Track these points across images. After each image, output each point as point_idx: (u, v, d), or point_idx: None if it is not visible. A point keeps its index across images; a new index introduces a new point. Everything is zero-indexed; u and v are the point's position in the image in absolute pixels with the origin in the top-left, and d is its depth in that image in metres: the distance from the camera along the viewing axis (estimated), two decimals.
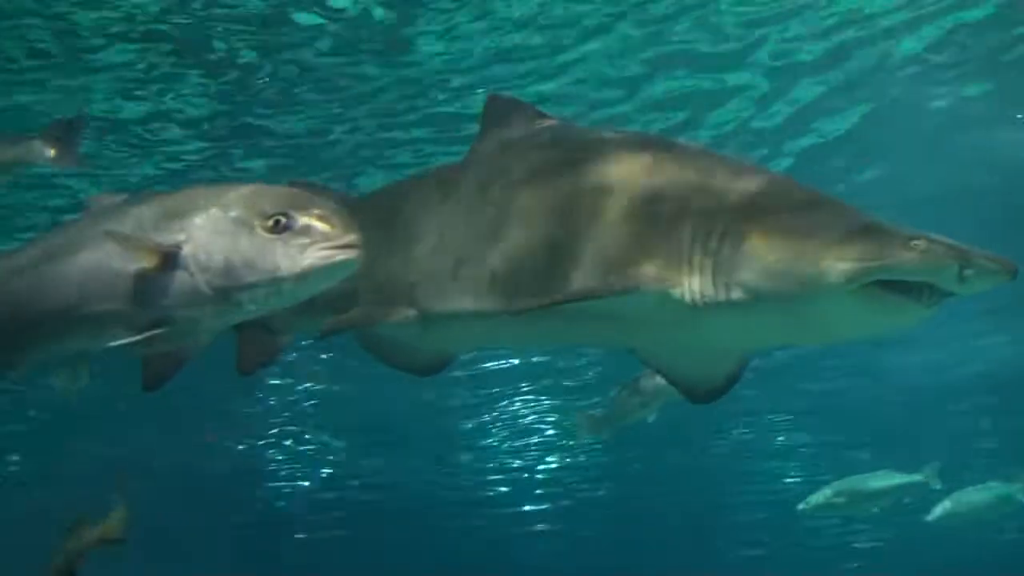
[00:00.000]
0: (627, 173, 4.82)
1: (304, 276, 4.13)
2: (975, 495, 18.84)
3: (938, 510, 18.59)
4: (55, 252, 4.53)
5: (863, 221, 4.43)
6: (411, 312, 5.27)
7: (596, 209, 4.79)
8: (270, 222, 4.13)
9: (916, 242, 4.26)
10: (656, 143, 5.16)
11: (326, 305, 5.49)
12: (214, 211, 4.22)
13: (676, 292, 4.57)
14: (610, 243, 4.69)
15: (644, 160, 4.86)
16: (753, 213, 4.52)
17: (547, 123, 5.45)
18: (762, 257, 4.42)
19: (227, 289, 4.15)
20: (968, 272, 4.25)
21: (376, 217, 5.52)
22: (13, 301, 4.58)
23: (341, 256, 4.12)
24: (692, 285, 4.55)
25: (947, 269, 4.24)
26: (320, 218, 4.14)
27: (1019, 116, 11.10)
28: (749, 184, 4.66)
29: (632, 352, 5.22)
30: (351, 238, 4.13)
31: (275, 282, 4.14)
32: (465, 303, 5.06)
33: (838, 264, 4.30)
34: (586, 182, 4.89)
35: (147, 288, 4.24)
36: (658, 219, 4.65)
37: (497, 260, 4.98)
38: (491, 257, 5.00)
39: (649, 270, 4.60)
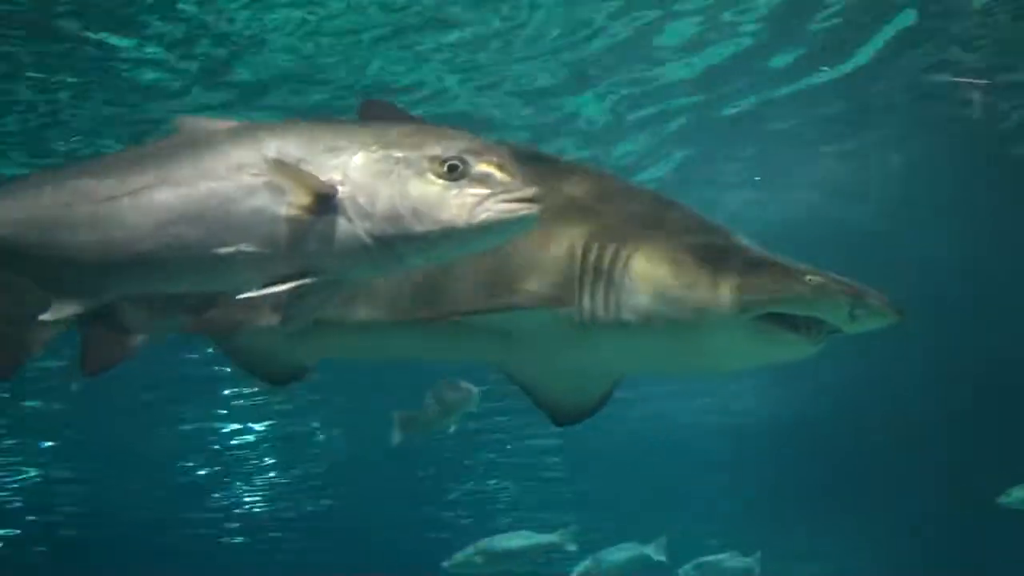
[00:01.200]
0: None
1: (480, 230, 3.49)
2: (614, 555, 19.58)
3: (579, 569, 19.46)
4: (173, 177, 3.63)
5: (757, 252, 4.46)
6: (275, 319, 4.90)
7: None
8: (443, 167, 3.50)
9: (810, 277, 4.29)
10: (546, 159, 5.09)
11: (186, 305, 5.22)
12: (378, 150, 3.54)
13: (566, 311, 4.52)
14: (500, 258, 4.60)
15: (536, 175, 4.53)
16: (647, 235, 4.50)
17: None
18: (655, 281, 4.40)
19: (390, 240, 3.49)
20: (858, 311, 4.29)
21: None
22: (115, 228, 3.66)
23: (523, 211, 3.51)
24: (583, 305, 4.50)
25: (839, 307, 4.29)
26: (499, 166, 3.53)
27: None
28: (643, 206, 4.66)
29: (501, 369, 5.11)
30: (532, 191, 3.54)
31: (446, 235, 3.48)
32: (341, 312, 4.84)
33: (732, 294, 4.32)
34: None
35: (296, 232, 3.50)
36: (550, 236, 4.58)
37: None
38: None
39: (540, 288, 4.54)
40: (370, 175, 3.49)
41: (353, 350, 5.32)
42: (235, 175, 3.52)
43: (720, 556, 20.04)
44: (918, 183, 13.01)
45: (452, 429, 12.18)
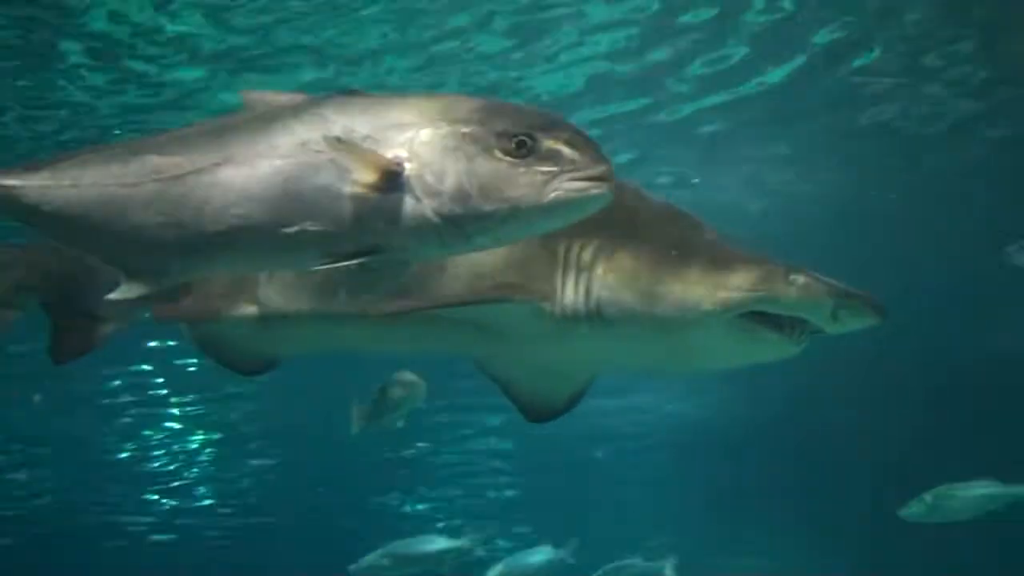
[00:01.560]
0: None
1: (550, 210, 3.38)
2: (528, 558, 19.66)
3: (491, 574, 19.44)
4: (238, 154, 3.51)
5: (742, 250, 4.44)
6: (250, 309, 5.04)
7: None
8: (511, 143, 3.39)
9: (795, 276, 4.28)
10: None
11: (159, 293, 5.18)
12: (445, 126, 3.41)
13: (547, 306, 4.48)
14: (480, 251, 4.45)
15: None
16: (631, 231, 4.47)
17: None
18: (639, 277, 4.37)
19: (458, 218, 3.39)
20: (842, 312, 4.29)
21: None
22: (181, 205, 3.55)
23: (595, 190, 3.40)
24: (564, 300, 4.47)
25: (822, 306, 4.28)
26: (569, 143, 3.42)
27: None
28: (626, 201, 4.58)
29: (477, 363, 5.09)
30: (604, 168, 3.42)
31: (515, 214, 3.38)
32: (312, 303, 4.83)
33: (717, 292, 4.29)
34: None
35: (362, 210, 3.39)
36: None
37: None
38: None
39: (521, 281, 4.50)
40: (437, 152, 3.39)
41: (327, 341, 5.27)
42: (299, 152, 3.42)
43: (632, 561, 20.10)
44: (847, 190, 13.33)
45: (400, 424, 12.04)
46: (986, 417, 19.80)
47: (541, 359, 4.85)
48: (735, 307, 4.28)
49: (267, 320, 5.00)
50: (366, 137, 3.41)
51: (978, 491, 15.04)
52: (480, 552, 17.88)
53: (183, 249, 3.58)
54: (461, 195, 3.37)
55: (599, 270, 4.41)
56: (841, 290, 4.27)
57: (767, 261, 4.35)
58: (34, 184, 3.67)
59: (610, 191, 3.41)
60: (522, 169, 3.37)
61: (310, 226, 3.43)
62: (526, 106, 3.59)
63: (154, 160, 3.61)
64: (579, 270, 4.44)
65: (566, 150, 3.39)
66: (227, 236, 3.50)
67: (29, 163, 3.75)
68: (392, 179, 3.36)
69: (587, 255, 4.44)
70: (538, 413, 5.18)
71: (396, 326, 4.74)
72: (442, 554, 17.30)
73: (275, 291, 4.95)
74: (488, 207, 3.37)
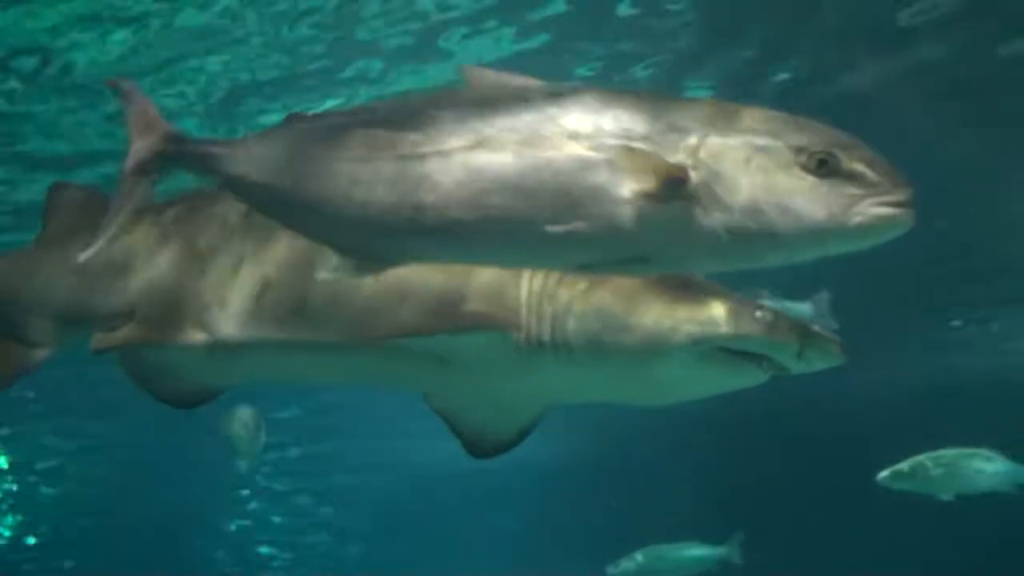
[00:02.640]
0: None
1: (853, 233, 3.16)
2: None
3: None
4: (493, 140, 3.26)
5: (709, 286, 4.45)
6: (200, 336, 4.86)
7: None
8: (811, 161, 3.17)
9: (763, 315, 4.31)
10: None
11: (99, 319, 5.09)
12: (734, 135, 3.21)
13: (515, 335, 4.43)
14: (444, 279, 4.50)
15: None
16: None
17: None
18: (609, 308, 4.35)
19: (748, 234, 3.17)
20: (808, 351, 4.31)
21: (163, 227, 5.17)
22: (421, 186, 3.31)
23: (900, 215, 3.17)
24: (531, 329, 4.43)
25: (787, 346, 4.30)
26: (871, 164, 3.20)
27: None
28: None
29: (427, 396, 5.00)
30: (908, 193, 3.19)
31: (814, 236, 3.16)
32: (266, 331, 4.72)
33: (686, 326, 4.30)
34: None
35: (639, 217, 3.16)
36: None
37: (309, 288, 4.66)
38: (302, 284, 4.68)
39: (488, 309, 4.44)
40: (727, 162, 3.18)
41: (276, 371, 5.16)
42: (570, 146, 3.22)
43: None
44: None
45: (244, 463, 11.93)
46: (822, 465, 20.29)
47: (498, 391, 4.79)
48: (703, 342, 4.30)
49: (216, 348, 4.84)
50: (644, 138, 3.22)
51: (686, 552, 16.15)
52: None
53: (415, 232, 3.37)
54: (755, 211, 3.17)
55: (568, 300, 4.38)
56: (806, 331, 4.31)
57: (736, 299, 4.39)
58: (240, 152, 3.55)
59: (913, 217, 3.20)
60: (825, 189, 3.18)
61: (579, 227, 3.23)
62: (819, 122, 3.37)
63: (386, 135, 3.41)
64: (547, 299, 4.41)
65: (869, 172, 3.20)
66: (475, 226, 3.29)
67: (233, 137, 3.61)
68: (674, 187, 3.16)
69: (555, 284, 4.41)
70: (484, 448, 5.10)
71: (352, 356, 4.65)
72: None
73: (226, 318, 4.80)
74: (785, 226, 3.17)
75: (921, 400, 18.98)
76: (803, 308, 10.75)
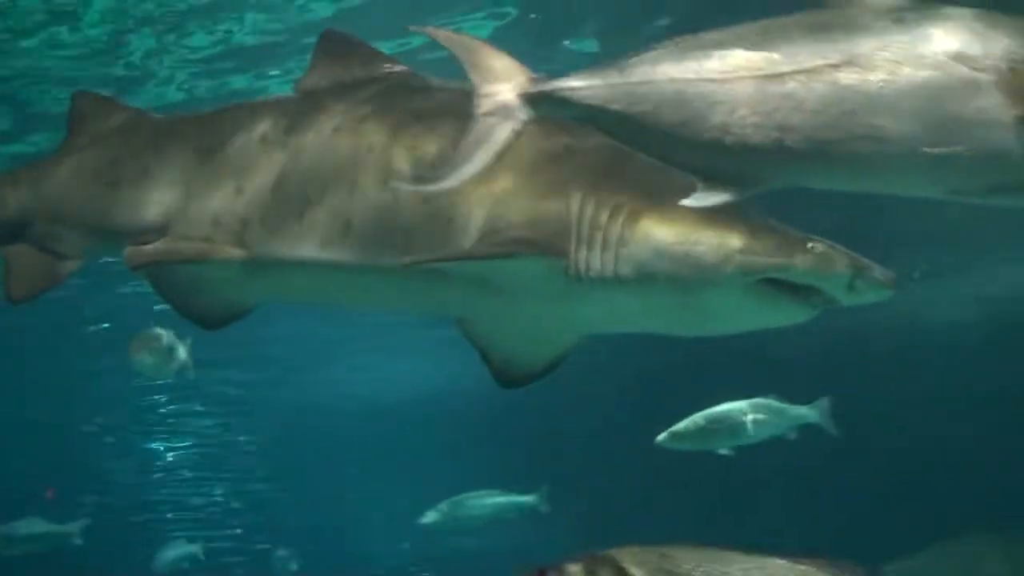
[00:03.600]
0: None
1: None
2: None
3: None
4: (863, 58, 3.15)
5: (760, 217, 4.43)
6: (238, 252, 4.78)
7: None
8: None
9: (814, 245, 4.29)
10: None
11: (130, 232, 5.01)
12: None
13: (563, 262, 4.39)
14: (492, 205, 4.46)
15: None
16: (647, 190, 4.39)
17: (395, 68, 5.11)
18: (660, 237, 4.32)
19: None
20: (858, 283, 4.29)
21: (200, 140, 5.07)
22: (783, 106, 3.24)
23: None
24: (580, 257, 4.39)
25: (839, 277, 4.29)
26: None
27: None
28: (635, 162, 4.44)
29: (462, 322, 4.96)
30: None
31: None
32: (311, 251, 4.65)
33: (737, 256, 4.27)
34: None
35: (1020, 140, 3.09)
36: (546, 185, 4.47)
37: (356, 209, 4.61)
38: (348, 205, 4.62)
39: (535, 237, 4.40)
40: None
41: (315, 293, 5.12)
42: (951, 67, 3.12)
43: None
44: None
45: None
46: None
47: (538, 319, 4.76)
48: (755, 272, 4.27)
49: (254, 266, 4.77)
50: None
51: (492, 500, 16.68)
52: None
53: (778, 155, 3.29)
54: None
55: (619, 229, 4.35)
56: (858, 262, 4.29)
57: (787, 230, 4.37)
58: (599, 83, 3.48)
59: None
60: None
61: (958, 151, 3.15)
62: None
63: (742, 55, 3.32)
64: (596, 228, 4.37)
65: None
66: (843, 147, 3.22)
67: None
68: None
69: (605, 213, 4.38)
70: (514, 377, 5.08)
71: (393, 280, 4.61)
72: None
73: (266, 235, 4.73)
74: None
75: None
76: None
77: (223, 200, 4.86)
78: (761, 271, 4.27)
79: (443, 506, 16.66)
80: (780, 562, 5.15)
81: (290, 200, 4.72)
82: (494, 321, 4.90)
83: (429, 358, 19.51)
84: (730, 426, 10.70)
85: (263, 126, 4.95)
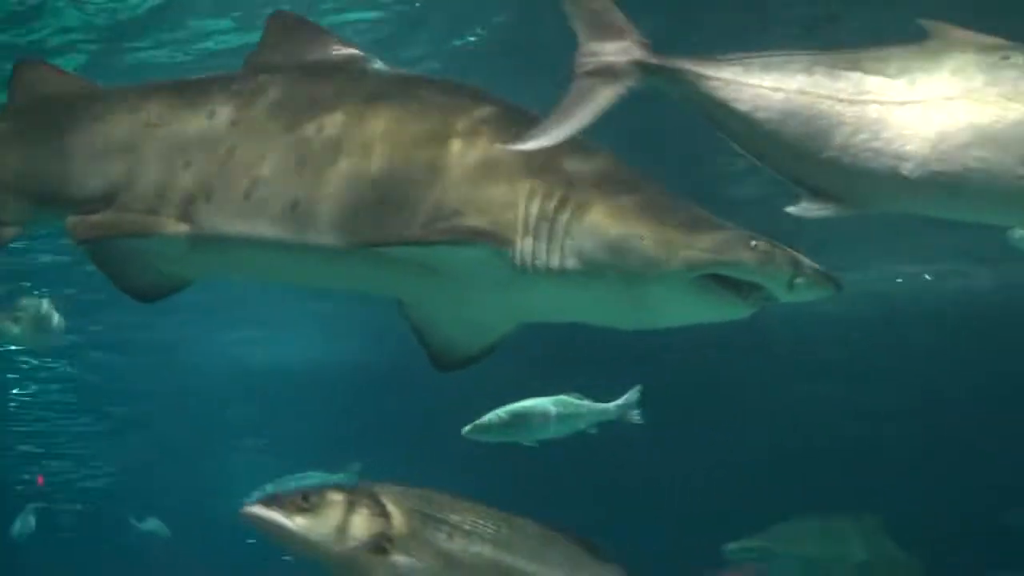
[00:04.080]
0: (460, 121, 4.63)
1: None
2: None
3: None
4: (977, 92, 3.31)
5: (706, 214, 4.51)
6: (183, 227, 4.74)
7: (426, 152, 4.57)
8: None
9: (757, 243, 4.34)
10: (483, 96, 4.90)
11: (73, 202, 4.94)
12: None
13: (508, 252, 4.42)
14: (440, 190, 4.48)
15: (479, 111, 4.69)
16: (597, 183, 4.45)
17: (345, 48, 5.11)
18: (607, 230, 4.35)
19: None
20: (799, 281, 4.34)
21: (148, 113, 5.01)
22: (901, 134, 3.39)
23: None
24: (525, 247, 4.41)
25: (781, 275, 4.34)
26: None
27: None
28: (589, 153, 4.60)
29: (402, 305, 4.99)
30: None
31: None
32: (258, 228, 4.63)
33: (683, 251, 4.32)
34: (416, 124, 4.64)
35: None
36: (494, 173, 4.48)
37: (304, 188, 4.60)
38: (296, 184, 4.62)
39: (481, 224, 4.42)
40: None
41: (255, 269, 5.10)
42: None
43: None
44: None
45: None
46: None
47: (480, 306, 4.78)
48: (700, 267, 4.32)
49: (198, 241, 4.74)
50: None
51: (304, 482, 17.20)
52: None
53: (891, 181, 3.41)
54: None
55: (565, 219, 4.38)
56: (799, 261, 4.34)
57: (731, 227, 4.43)
58: (727, 77, 3.49)
59: None
60: None
61: None
62: None
63: (872, 81, 3.42)
64: (544, 218, 4.40)
65: None
66: (957, 178, 3.33)
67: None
68: None
69: (554, 203, 4.41)
70: (449, 361, 5.11)
71: (338, 261, 4.61)
72: None
73: (212, 211, 4.70)
74: None
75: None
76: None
77: (170, 174, 4.81)
78: (706, 266, 4.32)
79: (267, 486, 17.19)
80: (531, 524, 5.49)
81: (238, 177, 4.69)
82: (435, 305, 4.91)
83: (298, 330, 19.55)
84: (533, 421, 11.15)
85: (213, 101, 4.92)
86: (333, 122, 4.67)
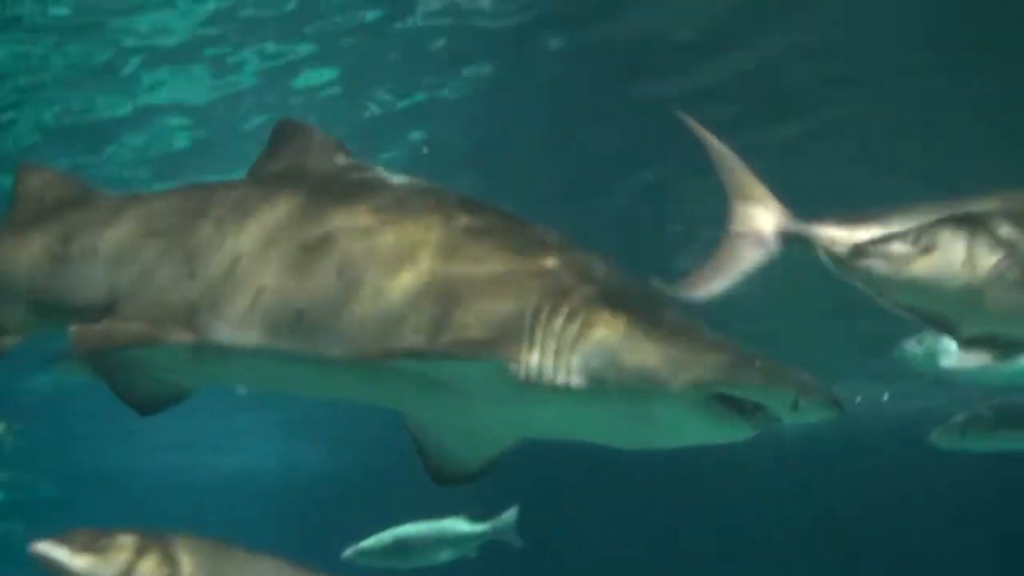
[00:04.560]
0: (468, 232, 4.64)
1: None
2: None
3: None
4: None
5: (713, 332, 4.49)
6: (187, 337, 4.69)
7: (433, 263, 4.55)
8: None
9: (763, 363, 4.32)
10: (490, 207, 4.93)
11: (74, 311, 4.90)
12: None
13: (512, 367, 4.36)
14: (446, 302, 4.45)
15: (486, 222, 4.73)
16: (604, 297, 4.44)
17: (350, 158, 5.13)
18: (614, 346, 4.32)
19: None
20: (803, 402, 4.32)
21: (152, 221, 5.00)
22: None
23: None
24: (531, 362, 4.36)
25: (785, 396, 4.31)
26: None
27: None
28: (595, 265, 4.62)
29: (405, 417, 4.93)
30: None
31: None
32: (261, 338, 4.59)
33: (690, 370, 4.28)
34: (422, 234, 4.64)
35: None
36: (501, 285, 4.46)
37: (309, 299, 4.57)
38: (302, 294, 4.59)
39: (486, 338, 4.37)
40: None
41: (261, 380, 5.02)
42: None
43: None
44: None
45: None
46: None
47: (481, 420, 4.72)
48: (706, 387, 4.27)
49: (202, 351, 4.70)
50: None
51: None
52: None
53: None
54: None
55: (573, 334, 4.34)
56: (805, 382, 4.32)
57: (735, 346, 4.41)
58: (868, 242, 3.85)
59: None
60: None
61: None
62: None
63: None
64: (551, 332, 4.36)
65: None
66: None
67: None
68: None
69: (560, 318, 4.37)
70: (449, 476, 5.03)
71: (342, 372, 4.56)
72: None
73: (217, 320, 4.66)
74: None
75: None
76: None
77: (173, 283, 4.79)
78: (713, 386, 4.27)
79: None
80: None
81: (243, 286, 4.66)
82: (436, 418, 4.86)
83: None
84: (414, 546, 11.33)
85: (217, 209, 4.92)
86: (339, 232, 4.67)
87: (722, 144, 4.35)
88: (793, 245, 3.87)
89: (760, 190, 4.02)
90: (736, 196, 3.96)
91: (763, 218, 3.96)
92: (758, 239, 3.92)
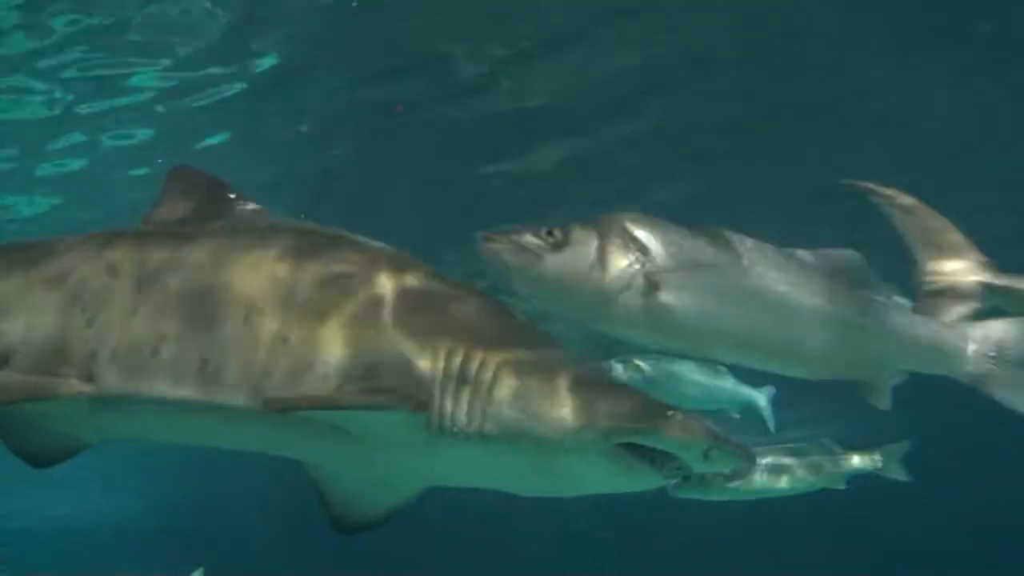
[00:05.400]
0: (375, 278, 4.59)
1: None
2: None
3: None
4: None
5: (622, 382, 4.42)
6: (86, 388, 4.52)
7: (340, 310, 4.48)
8: None
9: (673, 413, 4.34)
10: (397, 253, 4.87)
11: None
12: None
13: (422, 417, 4.32)
14: (356, 351, 4.38)
15: (394, 268, 4.67)
16: (516, 346, 4.43)
17: (248, 205, 5.07)
18: (525, 395, 4.31)
19: None
20: (713, 453, 4.34)
21: (45, 269, 4.82)
22: None
23: None
24: (441, 411, 4.33)
25: (696, 446, 4.32)
26: None
27: None
28: (507, 318, 4.61)
29: (306, 466, 4.85)
30: None
31: None
32: (164, 388, 4.46)
33: (601, 420, 4.28)
34: (328, 281, 4.57)
35: None
36: (414, 333, 4.42)
37: (212, 347, 4.46)
38: (204, 343, 4.47)
39: (398, 387, 4.31)
40: None
41: (158, 430, 4.85)
42: None
43: None
44: None
45: None
46: None
47: (387, 469, 4.66)
48: (617, 436, 4.28)
49: (102, 402, 4.53)
50: None
51: None
52: None
53: None
54: None
55: (485, 385, 4.31)
56: (715, 433, 4.34)
57: (647, 396, 4.43)
58: None
59: None
60: None
61: None
62: None
63: None
64: (463, 383, 4.32)
65: None
66: None
67: None
68: None
69: (474, 368, 4.34)
70: (351, 525, 4.97)
71: (245, 422, 4.45)
72: None
73: (117, 369, 4.51)
74: None
75: None
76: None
77: (71, 332, 4.61)
78: (622, 435, 4.27)
79: None
80: None
81: (143, 335, 4.53)
82: (341, 467, 4.78)
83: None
84: None
85: (113, 256, 4.77)
86: (240, 279, 4.57)
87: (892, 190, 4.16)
88: (997, 299, 3.74)
89: (956, 239, 3.81)
90: (925, 247, 3.77)
91: (961, 271, 3.75)
92: (956, 294, 3.72)
